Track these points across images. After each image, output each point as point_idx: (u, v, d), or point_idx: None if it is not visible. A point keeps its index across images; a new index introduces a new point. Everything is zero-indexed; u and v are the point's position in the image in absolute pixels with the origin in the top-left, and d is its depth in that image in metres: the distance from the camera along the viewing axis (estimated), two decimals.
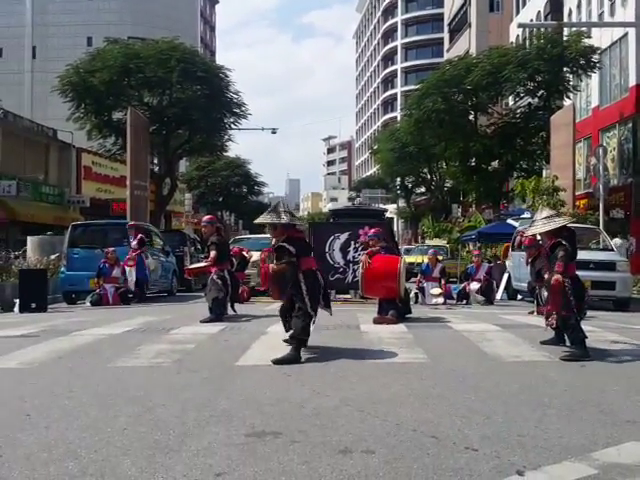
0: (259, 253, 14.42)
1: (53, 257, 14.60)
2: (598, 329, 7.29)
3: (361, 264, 8.35)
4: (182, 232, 23.15)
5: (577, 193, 21.00)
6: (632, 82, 22.93)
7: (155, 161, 27.85)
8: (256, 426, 3.40)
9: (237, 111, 27.16)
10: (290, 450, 3.02)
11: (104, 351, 5.92)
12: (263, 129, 39.03)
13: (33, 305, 11.01)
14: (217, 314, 8.19)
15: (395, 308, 8.04)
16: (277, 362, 5.05)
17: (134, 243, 13.12)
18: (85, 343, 6.44)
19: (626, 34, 23.02)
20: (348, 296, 13.51)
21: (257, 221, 5.77)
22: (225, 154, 37.81)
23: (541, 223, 5.77)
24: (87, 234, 14.81)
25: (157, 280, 15.28)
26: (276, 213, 5.54)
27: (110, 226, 16.02)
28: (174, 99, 25.88)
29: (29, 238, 16.86)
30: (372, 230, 9.34)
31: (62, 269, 13.21)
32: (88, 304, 12.51)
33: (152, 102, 26.46)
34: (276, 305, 10.34)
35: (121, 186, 24.92)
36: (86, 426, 3.45)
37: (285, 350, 5.32)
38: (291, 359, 5.10)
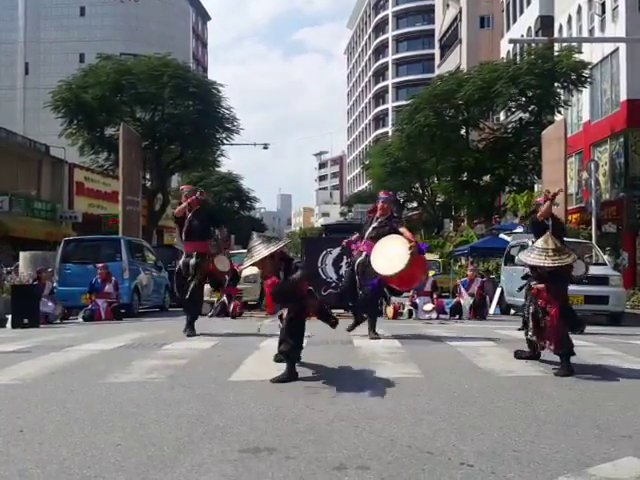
0: (252, 268, 14.44)
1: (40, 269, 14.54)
2: (592, 344, 7.30)
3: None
4: (174, 247, 23.10)
5: (569, 208, 21.15)
6: (623, 97, 23.18)
7: (147, 176, 27.86)
8: (250, 442, 3.38)
9: (229, 126, 27.31)
10: (285, 466, 3.00)
11: (97, 367, 5.88)
12: (255, 144, 39.23)
13: (25, 321, 10.93)
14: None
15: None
16: (275, 381, 4.98)
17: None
18: (78, 359, 6.40)
19: (617, 49, 23.31)
20: (341, 311, 13.48)
21: (250, 266, 5.40)
22: (217, 169, 37.90)
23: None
24: (79, 249, 14.79)
25: (149, 295, 15.24)
26: (265, 244, 5.15)
27: (102, 241, 15.99)
28: (166, 115, 25.98)
29: (21, 253, 16.78)
30: (384, 194, 8.60)
31: (54, 284, 13.15)
32: (81, 320, 12.45)
33: (144, 118, 26.55)
34: (269, 320, 10.33)
35: (113, 201, 24.89)
36: (79, 442, 3.42)
37: (279, 366, 5.29)
38: (289, 378, 5.04)
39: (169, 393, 4.67)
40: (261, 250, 5.07)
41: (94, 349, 7.09)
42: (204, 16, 79.62)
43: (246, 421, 3.81)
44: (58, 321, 11.98)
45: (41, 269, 12.65)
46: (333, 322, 5.77)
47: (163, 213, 28.65)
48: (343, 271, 12.36)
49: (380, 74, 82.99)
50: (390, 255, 7.38)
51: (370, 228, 7.92)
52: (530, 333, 5.85)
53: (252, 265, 5.33)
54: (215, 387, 4.84)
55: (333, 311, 13.80)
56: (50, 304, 11.95)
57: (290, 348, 5.12)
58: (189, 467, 2.99)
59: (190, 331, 8.07)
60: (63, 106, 24.83)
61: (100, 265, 12.75)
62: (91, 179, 29.93)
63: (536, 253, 5.67)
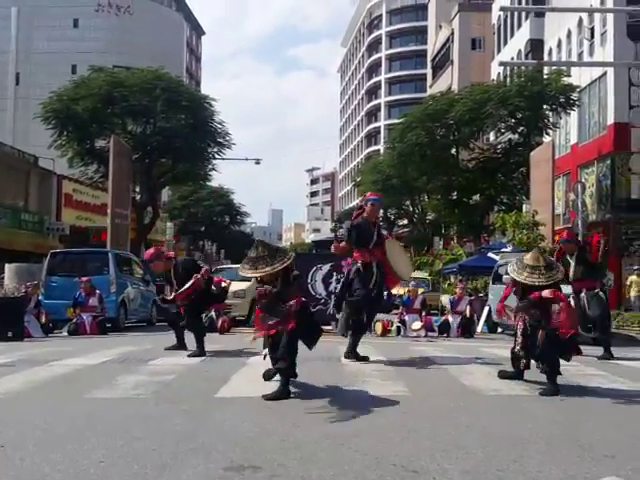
0: (242, 283, 14.40)
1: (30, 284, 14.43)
2: (577, 363, 7.33)
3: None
4: None
5: (556, 228, 21.29)
6: (610, 120, 23.50)
7: (137, 189, 27.82)
8: (235, 460, 3.36)
9: (221, 141, 27.39)
10: None
11: (81, 382, 5.83)
12: (247, 159, 39.12)
13: (10, 334, 10.82)
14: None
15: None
16: (268, 399, 4.90)
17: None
18: (62, 373, 6.34)
19: (605, 73, 23.66)
20: (329, 328, 13.46)
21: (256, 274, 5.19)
22: (208, 183, 37.88)
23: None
24: (66, 262, 14.69)
25: (136, 310, 15.14)
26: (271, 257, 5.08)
27: (90, 254, 15.90)
28: (158, 128, 26.01)
29: (7, 265, 16.66)
30: (374, 195, 8.16)
31: (40, 297, 13.03)
32: (66, 333, 12.34)
33: (135, 130, 26.57)
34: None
35: (102, 214, 24.83)
36: (62, 458, 3.39)
37: (267, 383, 5.27)
38: (283, 395, 4.99)
39: (154, 409, 4.64)
40: (265, 266, 5.04)
41: (79, 364, 7.03)
42: (198, 30, 80.00)
43: (232, 438, 3.79)
44: (43, 334, 11.85)
45: (29, 284, 12.55)
46: (313, 342, 5.48)
47: (152, 226, 28.58)
48: (333, 287, 12.36)
49: (373, 92, 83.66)
50: (405, 261, 7.56)
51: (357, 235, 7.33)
52: (517, 348, 5.87)
53: (253, 276, 5.29)
54: (201, 403, 4.82)
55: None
56: (32, 321, 11.77)
57: (287, 366, 5.08)
58: None
59: (201, 350, 7.78)
60: (53, 117, 24.81)
61: (84, 279, 12.68)
62: (80, 191, 29.79)
63: (528, 272, 5.70)
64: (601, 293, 8.71)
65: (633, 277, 17.08)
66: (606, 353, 8.34)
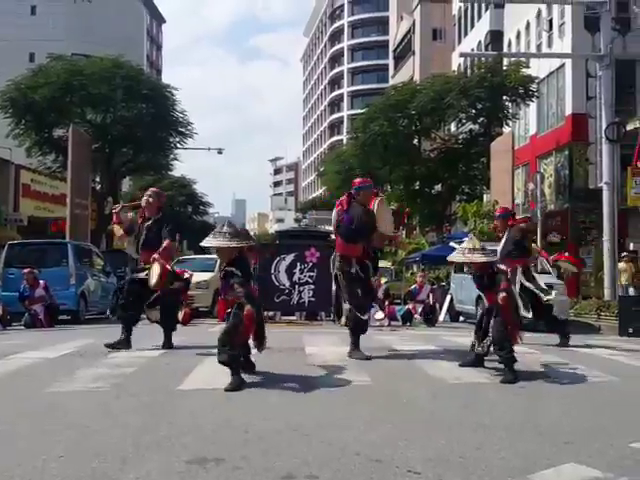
0: (205, 274, 14.28)
1: None
2: (536, 351, 7.48)
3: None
4: (124, 252, 22.69)
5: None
6: (568, 111, 23.96)
7: (97, 179, 27.33)
8: (198, 452, 3.33)
9: (183, 130, 27.07)
10: (232, 477, 2.97)
11: (40, 375, 5.71)
12: (209, 149, 38.78)
13: None
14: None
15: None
16: (227, 390, 4.88)
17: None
18: (20, 367, 6.20)
19: (563, 65, 24.09)
20: (293, 318, 13.48)
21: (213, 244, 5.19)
22: (170, 173, 37.43)
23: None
24: (24, 254, 14.37)
25: (97, 301, 14.91)
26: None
27: (48, 246, 15.58)
28: (118, 117, 25.57)
29: None
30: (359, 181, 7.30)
31: None
32: (23, 327, 12.11)
33: (95, 119, 26.07)
34: (219, 327, 10.21)
35: (61, 204, 24.30)
36: (21, 453, 3.31)
37: (230, 375, 5.25)
38: (238, 385, 4.96)
39: (115, 402, 4.57)
40: (223, 240, 5.08)
41: (37, 357, 6.88)
42: (159, 19, 78.71)
43: (194, 431, 3.76)
44: (1, 328, 11.58)
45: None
46: (260, 345, 5.33)
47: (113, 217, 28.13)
48: (296, 277, 12.36)
49: (335, 82, 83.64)
50: (390, 219, 7.31)
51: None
52: (474, 336, 6.02)
53: (215, 248, 5.25)
54: (163, 396, 4.76)
55: (284, 318, 13.81)
56: None
57: (228, 357, 5.01)
58: (134, 479, 2.93)
59: (169, 343, 7.50)
60: (11, 106, 24.19)
61: (25, 271, 12.46)
62: (38, 181, 29.05)
63: (479, 253, 5.87)
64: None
65: (621, 264, 17.33)
66: (564, 339, 8.52)
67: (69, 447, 3.42)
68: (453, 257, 6.22)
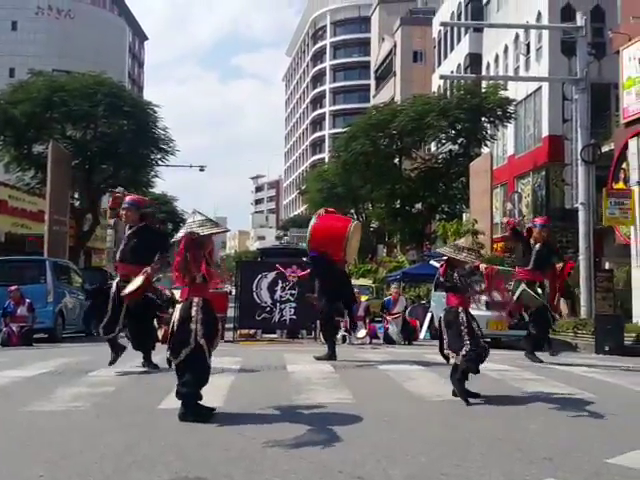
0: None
1: None
2: (515, 368, 7.55)
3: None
4: (103, 270, 22.49)
5: (495, 236, 21.89)
6: (545, 133, 24.38)
7: (76, 196, 27.12)
8: (180, 471, 3.32)
9: (165, 147, 26.98)
10: None
11: (18, 394, 5.65)
12: (191, 166, 38.57)
13: None
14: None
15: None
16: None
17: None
18: None
19: (540, 88, 24.53)
20: (274, 336, 13.44)
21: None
22: (151, 190, 37.22)
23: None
24: (1, 271, 14.18)
25: (75, 319, 14.74)
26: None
27: (26, 263, 15.42)
28: (99, 133, 25.46)
29: None
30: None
31: None
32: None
33: (75, 136, 25.90)
34: None
35: (39, 221, 24.03)
36: (1, 472, 3.28)
37: (211, 394, 5.21)
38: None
39: (95, 422, 4.53)
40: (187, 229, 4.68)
41: (15, 375, 6.79)
42: (141, 36, 78.87)
43: (176, 450, 3.74)
44: None
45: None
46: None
47: (92, 234, 27.86)
48: (278, 295, 12.33)
49: (318, 102, 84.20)
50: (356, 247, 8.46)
51: None
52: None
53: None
54: (144, 415, 4.73)
55: (266, 335, 13.73)
56: None
57: (189, 391, 4.59)
58: None
59: (152, 365, 7.12)
60: None
61: (12, 288, 12.30)
62: (16, 197, 28.69)
63: (466, 252, 5.88)
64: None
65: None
66: (550, 350, 8.68)
67: (49, 467, 3.39)
68: (444, 250, 6.25)
